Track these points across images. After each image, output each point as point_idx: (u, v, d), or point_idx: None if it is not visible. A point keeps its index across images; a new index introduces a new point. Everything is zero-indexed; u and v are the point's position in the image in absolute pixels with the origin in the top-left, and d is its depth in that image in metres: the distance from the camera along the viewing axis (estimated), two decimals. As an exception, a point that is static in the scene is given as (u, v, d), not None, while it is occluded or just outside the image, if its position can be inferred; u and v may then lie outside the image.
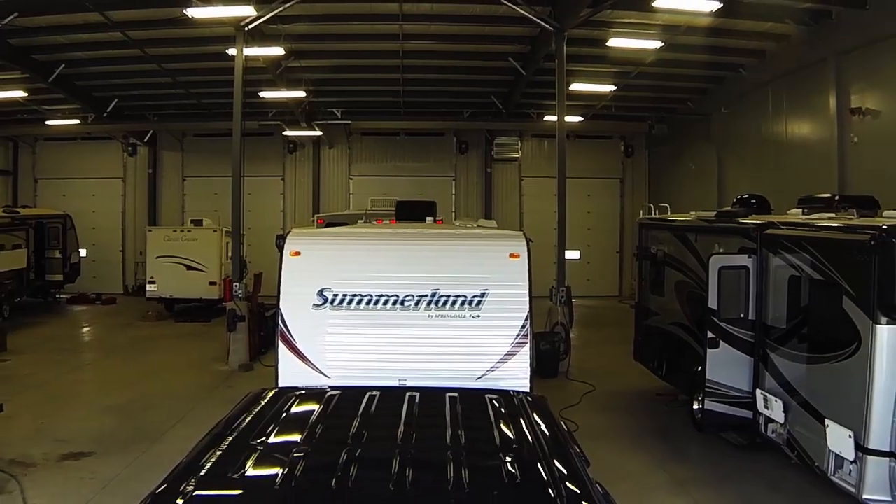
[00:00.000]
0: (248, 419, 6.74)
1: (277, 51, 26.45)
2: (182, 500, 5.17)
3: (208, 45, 27.16)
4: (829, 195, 15.56)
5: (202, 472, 5.56)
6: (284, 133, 39.60)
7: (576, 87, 29.57)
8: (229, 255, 31.10)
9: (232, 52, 24.74)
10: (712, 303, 15.48)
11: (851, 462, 11.64)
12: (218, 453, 5.89)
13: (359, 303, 11.89)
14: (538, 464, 5.91)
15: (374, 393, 7.63)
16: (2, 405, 15.15)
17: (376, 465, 5.77)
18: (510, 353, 11.22)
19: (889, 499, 11.26)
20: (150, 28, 26.38)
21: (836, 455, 12.01)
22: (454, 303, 11.71)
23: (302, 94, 32.71)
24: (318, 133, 39.72)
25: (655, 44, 25.17)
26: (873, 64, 21.80)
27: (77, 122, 37.68)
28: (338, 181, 43.08)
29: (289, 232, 13.02)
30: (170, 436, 16.32)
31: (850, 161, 22.83)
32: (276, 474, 5.57)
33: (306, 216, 39.94)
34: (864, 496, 11.41)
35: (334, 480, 5.46)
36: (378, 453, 5.97)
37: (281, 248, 12.46)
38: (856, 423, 11.48)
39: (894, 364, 11.21)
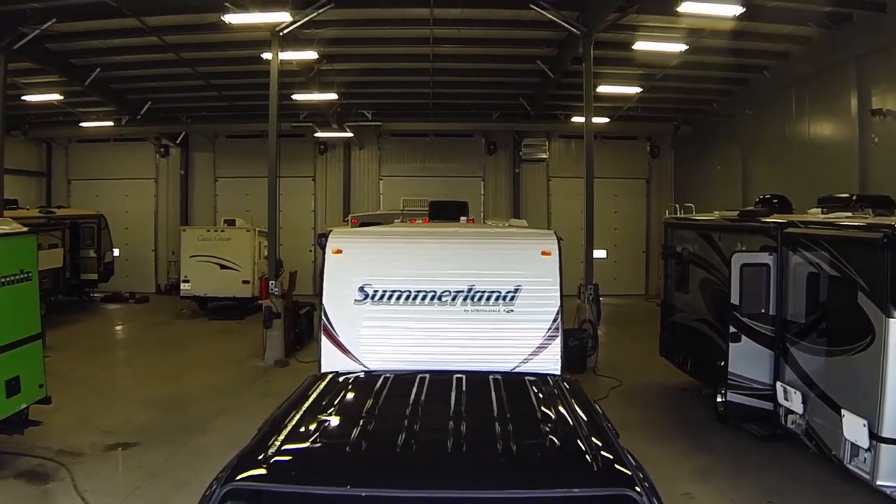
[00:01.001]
0: (314, 395, 7.49)
1: (311, 55, 27.13)
2: (267, 456, 6.00)
3: (243, 49, 27.90)
4: (847, 195, 16.10)
5: (283, 435, 6.36)
6: (316, 134, 40.34)
7: (602, 89, 29.99)
8: (262, 254, 31.95)
9: (266, 56, 25.58)
10: (734, 299, 16.11)
11: (866, 450, 12.18)
12: (293, 422, 6.67)
13: (398, 298, 12.49)
14: (574, 433, 6.65)
15: (425, 375, 8.37)
16: (50, 397, 15.82)
17: (435, 431, 6.51)
18: (542, 346, 11.61)
19: (902, 485, 11.87)
20: (186, 33, 27.16)
21: (852, 444, 12.56)
22: (489, 298, 12.30)
23: (334, 96, 33.44)
24: (349, 134, 40.38)
25: (680, 47, 25.58)
26: (893, 66, 22.30)
27: (111, 124, 38.68)
28: (368, 181, 43.76)
29: (331, 231, 13.69)
30: (211, 428, 17.01)
31: (872, 161, 23.34)
32: (347, 437, 6.35)
33: (337, 216, 40.70)
34: (879, 482, 11.96)
35: (400, 441, 6.24)
36: (435, 422, 6.70)
37: (323, 247, 13.10)
38: (870, 413, 12.05)
39: (906, 355, 11.78)
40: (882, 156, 22.88)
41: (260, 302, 26.29)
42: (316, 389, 7.82)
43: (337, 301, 12.78)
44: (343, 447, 6.20)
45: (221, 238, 34.62)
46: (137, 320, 33.83)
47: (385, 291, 12.62)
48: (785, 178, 27.43)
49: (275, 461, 5.98)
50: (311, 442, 6.44)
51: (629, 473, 5.81)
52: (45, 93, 32.94)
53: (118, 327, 33.06)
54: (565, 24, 24.15)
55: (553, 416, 7.30)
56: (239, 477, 5.78)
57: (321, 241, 13.32)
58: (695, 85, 34.17)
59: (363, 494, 5.50)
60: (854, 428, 12.43)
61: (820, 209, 16.22)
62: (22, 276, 15.20)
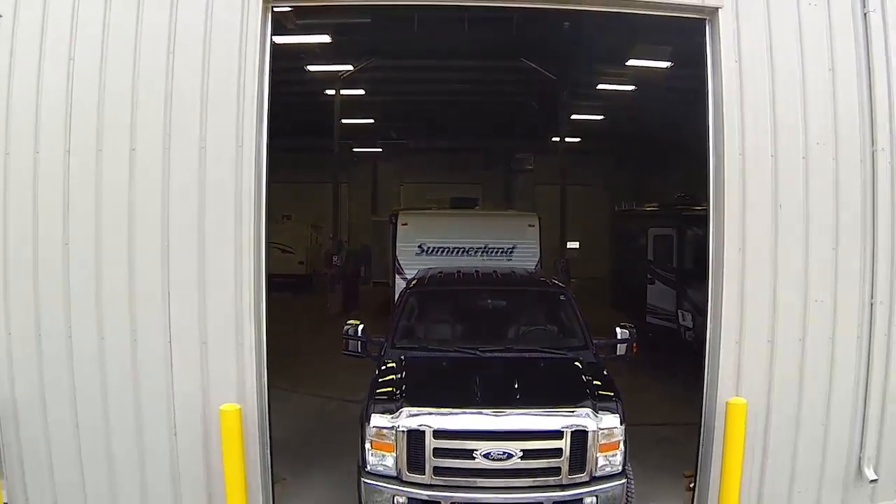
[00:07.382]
0: (425, 276, 14.10)
1: (359, 92, 33.26)
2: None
3: (308, 85, 32.72)
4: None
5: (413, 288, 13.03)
6: (353, 150, 45.25)
7: (575, 116, 35.97)
8: (312, 241, 38.29)
9: (330, 92, 32.03)
10: (650, 256, 22.26)
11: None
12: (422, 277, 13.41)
13: (442, 252, 19.49)
14: (546, 281, 13.56)
15: (479, 269, 14.80)
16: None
17: (488, 283, 13.18)
18: (528, 280, 18.15)
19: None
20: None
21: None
22: (496, 252, 19.40)
23: (371, 120, 39.25)
24: (379, 150, 45.79)
25: (630, 87, 31.54)
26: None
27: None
28: (391, 187, 48.82)
29: (399, 211, 20.71)
30: (306, 350, 22.50)
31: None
32: (443, 288, 13.09)
33: (367, 214, 46.13)
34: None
35: (468, 290, 12.96)
36: (487, 278, 13.33)
37: (394, 222, 20.25)
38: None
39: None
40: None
41: (325, 271, 32.58)
42: (424, 274, 14.33)
43: (405, 253, 19.79)
44: (452, 281, 12.98)
45: (283, 229, 39.44)
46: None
47: (434, 247, 19.63)
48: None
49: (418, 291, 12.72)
50: (432, 286, 13.01)
51: (565, 287, 12.62)
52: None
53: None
54: (547, 73, 29.78)
55: (535, 278, 14.31)
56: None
57: (392, 218, 20.39)
58: (649, 112, 36.79)
59: (463, 289, 12.31)
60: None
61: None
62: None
